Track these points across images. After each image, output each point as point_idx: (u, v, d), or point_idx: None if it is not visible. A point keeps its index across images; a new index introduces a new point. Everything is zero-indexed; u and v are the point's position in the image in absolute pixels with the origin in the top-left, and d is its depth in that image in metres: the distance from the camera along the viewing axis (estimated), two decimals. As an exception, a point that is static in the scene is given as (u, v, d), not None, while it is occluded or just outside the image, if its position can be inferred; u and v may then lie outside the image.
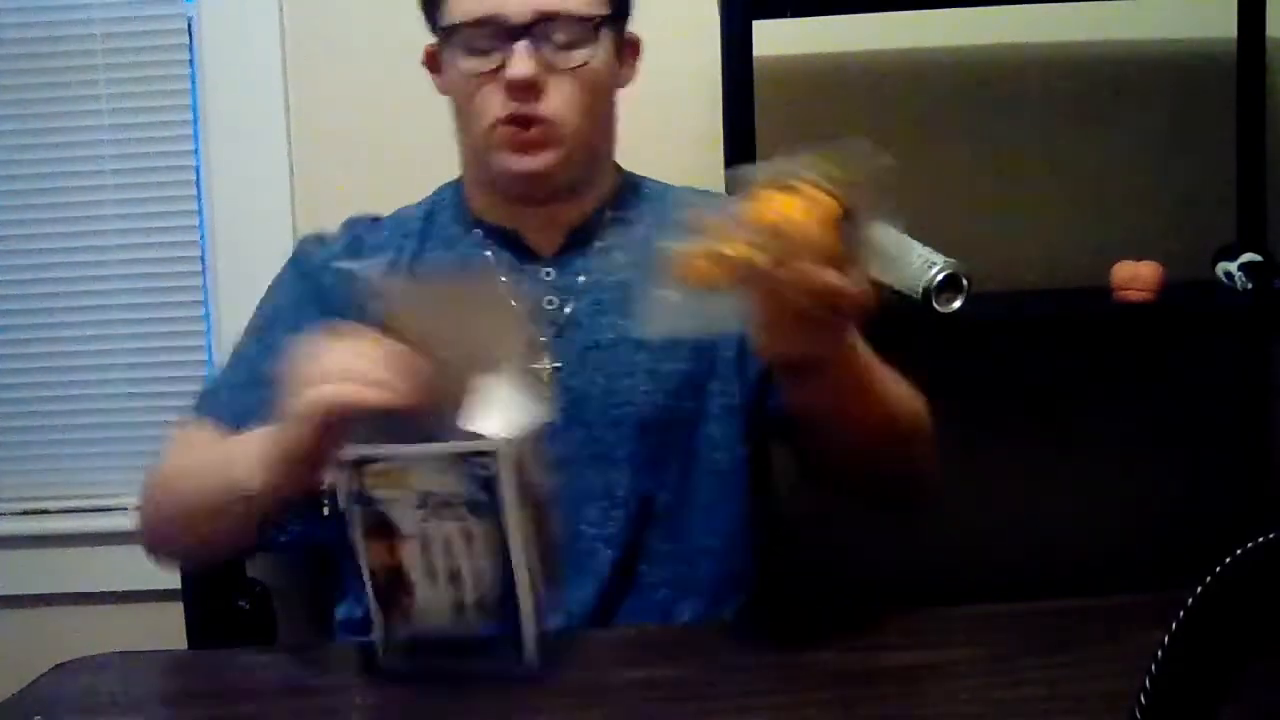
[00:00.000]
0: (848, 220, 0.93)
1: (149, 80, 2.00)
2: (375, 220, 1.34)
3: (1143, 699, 0.60)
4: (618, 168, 1.34)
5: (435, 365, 0.95)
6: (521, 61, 1.17)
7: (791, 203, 0.92)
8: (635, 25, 1.29)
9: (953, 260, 1.61)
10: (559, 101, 1.19)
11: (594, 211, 1.28)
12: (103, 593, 1.96)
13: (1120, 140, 1.91)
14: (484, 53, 1.19)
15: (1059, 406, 1.92)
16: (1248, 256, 1.69)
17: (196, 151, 1.99)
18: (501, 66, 1.18)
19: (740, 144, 1.64)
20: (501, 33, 1.18)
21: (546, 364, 1.19)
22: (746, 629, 1.19)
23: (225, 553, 1.20)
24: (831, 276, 0.92)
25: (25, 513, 2.05)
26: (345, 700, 0.98)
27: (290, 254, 1.34)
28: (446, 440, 0.93)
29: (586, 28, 1.19)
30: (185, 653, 1.22)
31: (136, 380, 2.04)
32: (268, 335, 1.25)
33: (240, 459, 1.07)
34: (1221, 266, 1.72)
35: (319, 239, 1.33)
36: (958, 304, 1.60)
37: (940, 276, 1.59)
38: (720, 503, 1.24)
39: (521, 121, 1.20)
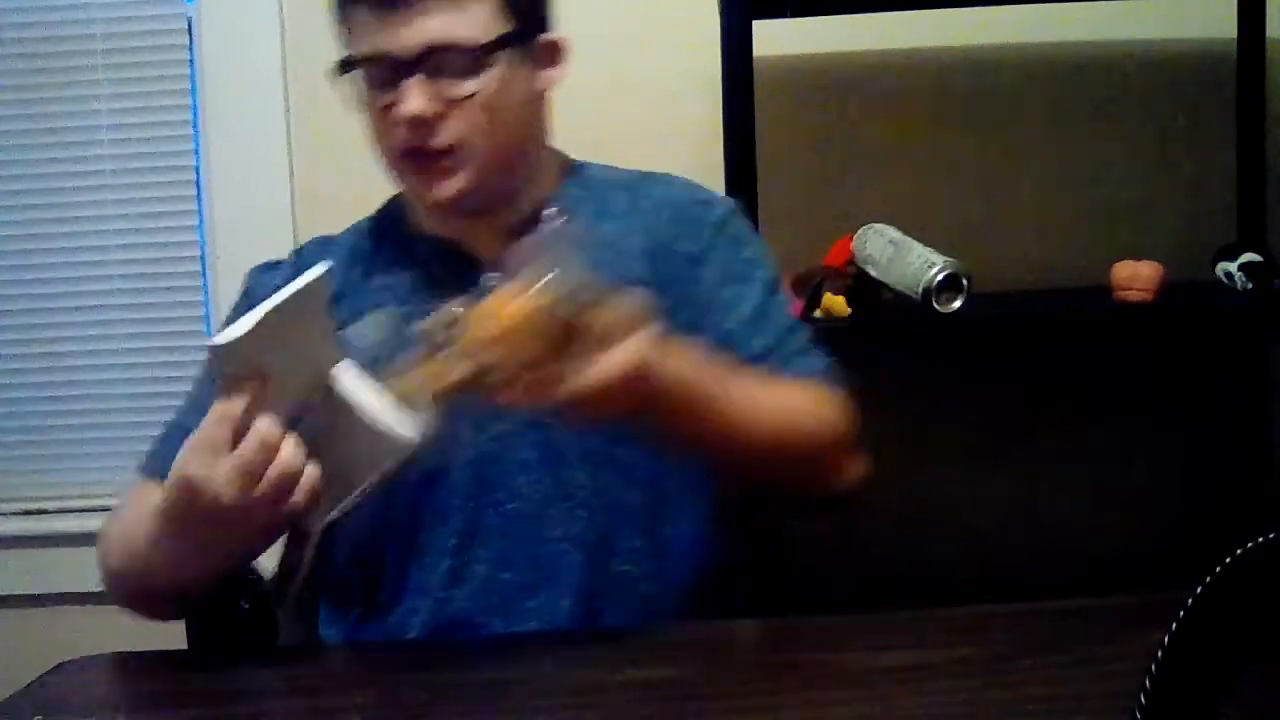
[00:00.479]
0: (560, 312, 0.94)
1: (149, 80, 2.00)
2: (327, 241, 1.33)
3: (1143, 699, 0.60)
4: (561, 159, 1.32)
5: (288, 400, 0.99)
6: (412, 98, 1.14)
7: (500, 308, 0.94)
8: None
9: (953, 260, 1.61)
10: (459, 131, 1.17)
11: (534, 211, 1.26)
12: (103, 593, 1.95)
13: (1120, 140, 1.91)
14: (381, 86, 1.17)
15: (1059, 406, 1.92)
16: (1248, 256, 1.69)
17: (196, 151, 1.99)
18: (397, 101, 1.16)
19: (740, 144, 1.64)
20: (393, 68, 1.15)
21: None
22: (746, 629, 1.19)
23: (185, 603, 1.19)
24: (540, 374, 0.94)
25: (25, 513, 2.06)
26: (345, 700, 0.98)
27: (242, 286, 1.32)
28: (370, 462, 1.02)
29: (479, 56, 1.16)
30: (185, 653, 1.21)
31: (136, 380, 2.04)
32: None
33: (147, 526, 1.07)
34: (1221, 266, 1.72)
35: (266, 268, 1.32)
36: (958, 304, 1.60)
37: (940, 276, 1.59)
38: (695, 489, 1.23)
39: (422, 154, 1.18)
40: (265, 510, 0.96)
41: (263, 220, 1.93)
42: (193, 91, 1.98)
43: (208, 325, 2.00)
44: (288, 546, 1.18)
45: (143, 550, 1.09)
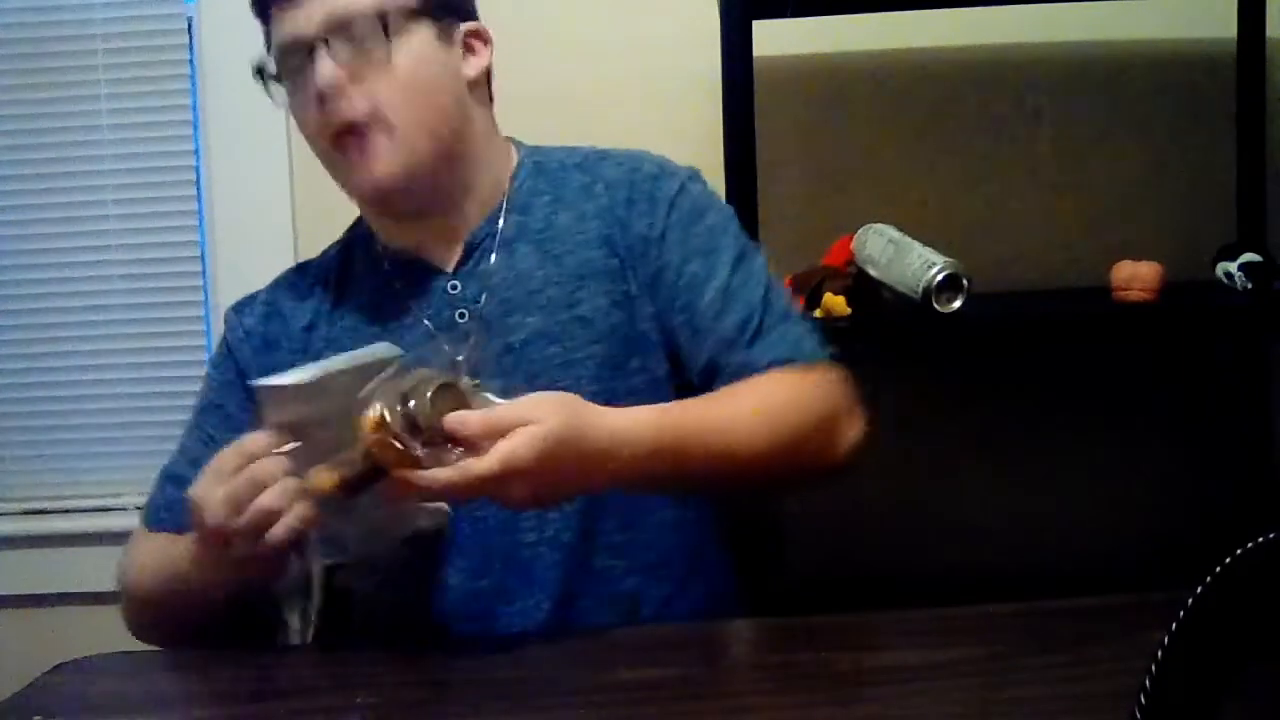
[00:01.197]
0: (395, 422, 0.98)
1: (149, 80, 2.00)
2: (301, 269, 1.33)
3: (1143, 699, 0.60)
4: (513, 152, 1.30)
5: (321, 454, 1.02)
6: (319, 68, 1.15)
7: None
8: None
9: (953, 260, 1.61)
10: (374, 101, 1.16)
11: (490, 212, 1.25)
12: (103, 593, 1.94)
13: (1120, 140, 1.91)
14: (297, 74, 1.18)
15: (1059, 406, 1.92)
16: (1248, 256, 1.69)
17: (196, 151, 1.99)
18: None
19: (740, 144, 1.64)
20: (305, 49, 1.16)
21: (466, 381, 1.10)
22: (746, 629, 1.19)
23: (206, 631, 1.21)
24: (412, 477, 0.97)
25: (25, 513, 2.06)
26: (345, 700, 0.98)
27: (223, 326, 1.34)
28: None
29: (385, 23, 1.16)
30: (185, 653, 1.22)
31: (137, 381, 2.04)
32: (204, 426, 1.26)
33: (181, 567, 1.12)
34: (1221, 266, 1.72)
35: (239, 308, 1.32)
36: (958, 304, 1.60)
37: (940, 276, 1.59)
38: None
39: (344, 133, 1.17)
40: (244, 540, 1.01)
41: (263, 220, 1.93)
42: (193, 91, 1.98)
43: (207, 325, 2.00)
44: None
45: (171, 569, 1.14)
